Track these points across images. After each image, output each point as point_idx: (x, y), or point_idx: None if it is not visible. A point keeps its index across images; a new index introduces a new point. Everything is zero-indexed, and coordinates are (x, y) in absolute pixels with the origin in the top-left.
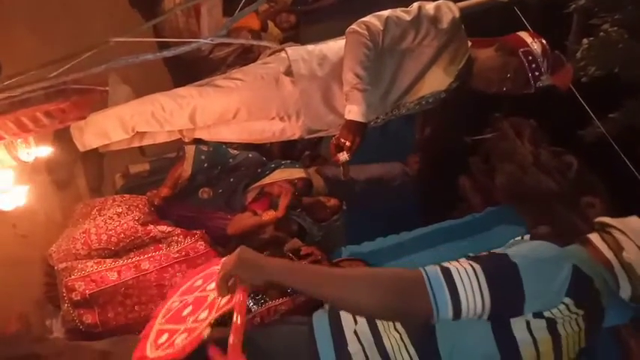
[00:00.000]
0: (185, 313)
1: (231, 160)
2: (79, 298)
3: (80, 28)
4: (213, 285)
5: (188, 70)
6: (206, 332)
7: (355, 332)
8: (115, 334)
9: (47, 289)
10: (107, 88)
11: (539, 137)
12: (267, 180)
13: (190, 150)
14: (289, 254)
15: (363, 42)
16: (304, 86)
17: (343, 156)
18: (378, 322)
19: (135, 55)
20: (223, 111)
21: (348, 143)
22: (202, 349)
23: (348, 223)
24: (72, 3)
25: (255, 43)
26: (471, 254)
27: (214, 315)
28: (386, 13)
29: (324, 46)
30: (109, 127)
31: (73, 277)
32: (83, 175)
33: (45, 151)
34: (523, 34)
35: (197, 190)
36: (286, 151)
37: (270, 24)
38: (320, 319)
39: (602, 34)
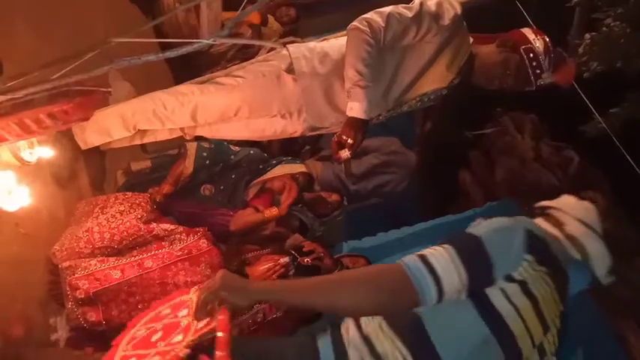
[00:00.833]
0: (154, 338)
1: (232, 156)
2: (82, 296)
3: (81, 24)
4: (185, 312)
5: (188, 65)
6: (183, 352)
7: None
8: (119, 332)
9: (51, 288)
10: (110, 90)
11: (540, 132)
12: (268, 176)
13: (192, 147)
14: (291, 251)
15: (364, 39)
16: (306, 84)
17: (345, 153)
18: (370, 332)
19: (137, 57)
20: (225, 108)
21: (349, 140)
22: None
23: (349, 218)
24: (72, 1)
25: (257, 43)
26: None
27: (192, 337)
28: (387, 9)
29: (325, 44)
30: (110, 125)
31: (76, 275)
32: (85, 172)
33: (47, 151)
34: (526, 31)
35: (199, 187)
36: (287, 147)
37: (270, 18)
38: (324, 341)
39: (604, 28)
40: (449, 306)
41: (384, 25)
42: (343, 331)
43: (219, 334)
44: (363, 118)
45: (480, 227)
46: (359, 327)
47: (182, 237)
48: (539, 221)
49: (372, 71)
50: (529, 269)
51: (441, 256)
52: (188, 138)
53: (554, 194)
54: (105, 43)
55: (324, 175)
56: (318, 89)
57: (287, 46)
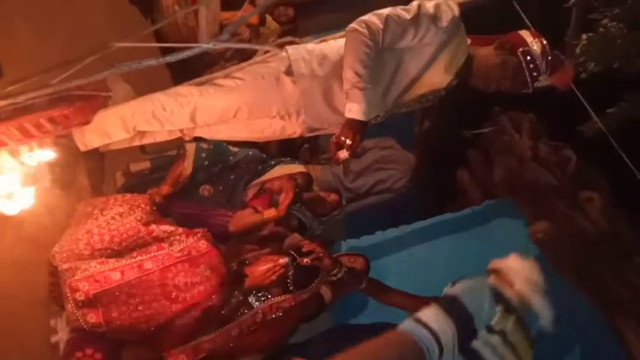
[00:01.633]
0: None
1: (231, 157)
2: (83, 298)
3: (81, 24)
4: None
5: (186, 65)
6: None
7: None
8: (119, 334)
9: (51, 289)
10: (110, 94)
11: (538, 131)
12: (267, 176)
13: (191, 148)
14: (290, 251)
15: (363, 40)
16: (305, 86)
17: (343, 154)
18: None
19: (138, 61)
20: (224, 110)
21: (348, 141)
22: None
23: (348, 217)
24: (72, 2)
25: (257, 47)
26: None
27: None
28: (386, 11)
29: (324, 46)
30: (109, 127)
31: (76, 277)
32: (84, 174)
33: (47, 153)
34: (524, 33)
35: (198, 188)
36: (285, 146)
37: (268, 18)
38: None
39: (601, 29)
40: None
41: (382, 27)
42: None
43: None
44: (361, 119)
45: (452, 289)
46: None
47: (182, 238)
48: (494, 279)
49: (371, 73)
50: (502, 319)
51: (428, 311)
52: (187, 139)
53: (551, 193)
54: (106, 48)
55: (323, 176)
56: (317, 91)
57: (286, 47)
